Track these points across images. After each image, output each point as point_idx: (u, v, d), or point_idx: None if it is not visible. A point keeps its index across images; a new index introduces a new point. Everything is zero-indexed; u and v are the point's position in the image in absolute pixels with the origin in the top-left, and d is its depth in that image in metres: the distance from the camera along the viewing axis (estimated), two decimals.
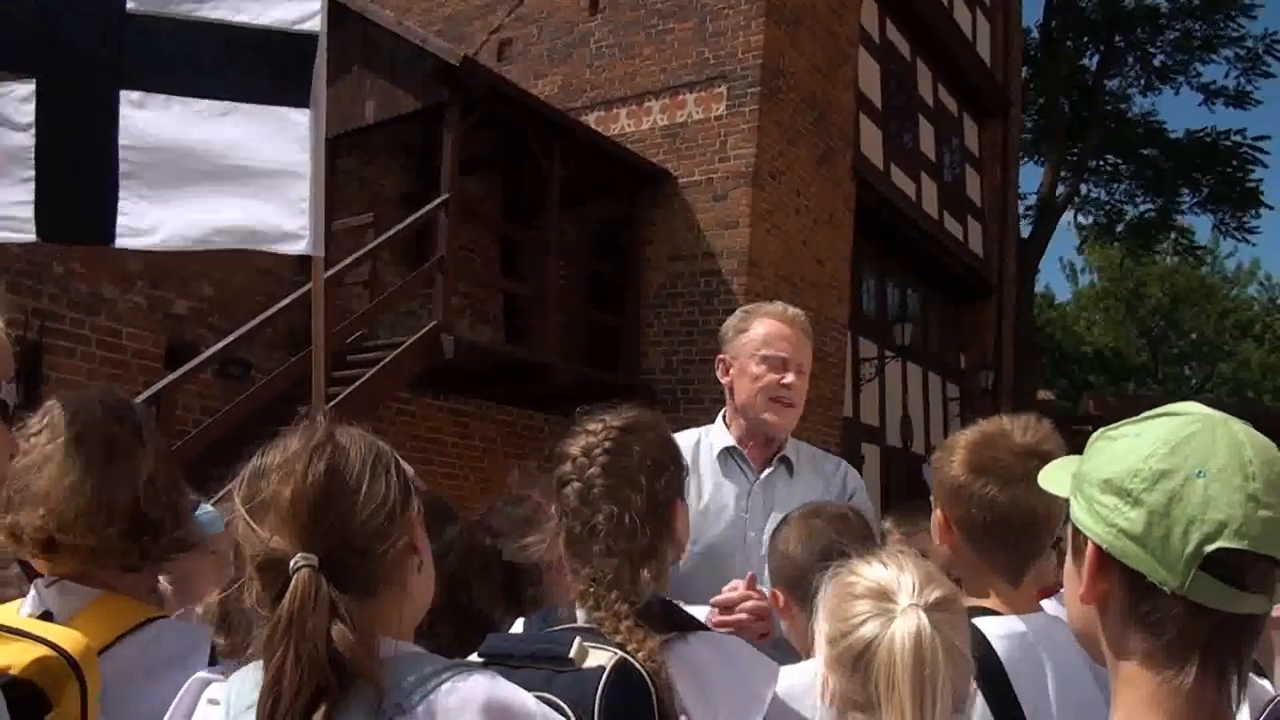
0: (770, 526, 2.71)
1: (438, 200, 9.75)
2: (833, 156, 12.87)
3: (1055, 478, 1.28)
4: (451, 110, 9.99)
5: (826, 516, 2.22)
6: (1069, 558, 1.21)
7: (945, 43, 16.07)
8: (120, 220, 3.00)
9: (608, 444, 1.80)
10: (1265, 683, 1.91)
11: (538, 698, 1.40)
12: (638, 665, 1.61)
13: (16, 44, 2.96)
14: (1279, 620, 1.63)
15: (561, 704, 1.53)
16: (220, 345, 8.27)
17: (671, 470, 1.85)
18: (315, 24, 3.04)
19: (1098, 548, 1.12)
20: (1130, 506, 1.09)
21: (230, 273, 9.36)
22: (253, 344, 8.93)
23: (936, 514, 2.01)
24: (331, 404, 7.65)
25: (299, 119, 3.02)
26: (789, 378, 2.85)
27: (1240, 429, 1.12)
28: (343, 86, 10.63)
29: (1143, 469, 1.09)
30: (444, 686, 1.29)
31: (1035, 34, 23.80)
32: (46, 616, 1.66)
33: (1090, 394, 28.46)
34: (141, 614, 1.70)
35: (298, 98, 3.02)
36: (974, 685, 1.59)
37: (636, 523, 1.74)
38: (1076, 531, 1.17)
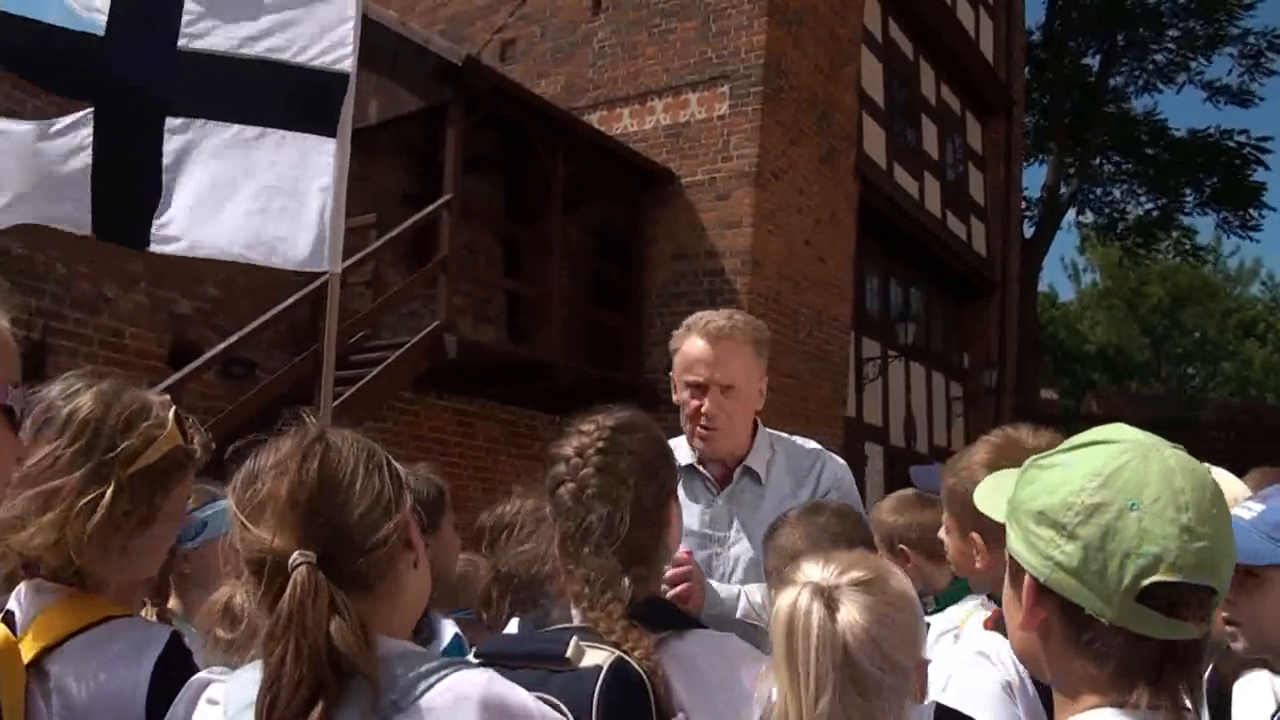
0: (735, 537, 2.73)
1: (440, 200, 9.75)
2: (835, 156, 12.87)
3: (991, 501, 1.29)
4: (454, 110, 9.99)
5: (829, 514, 2.22)
6: (1007, 582, 1.22)
7: (948, 42, 16.06)
8: (155, 226, 3.27)
9: (601, 444, 1.81)
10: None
11: (535, 696, 1.41)
12: (634, 664, 1.62)
13: (78, 76, 3.28)
14: None
15: (559, 704, 1.54)
16: (224, 345, 8.26)
17: (664, 471, 1.86)
18: (348, 64, 3.29)
19: (1034, 579, 1.13)
20: (1065, 540, 1.10)
21: (233, 273, 9.35)
22: (256, 344, 8.92)
23: (972, 538, 1.99)
24: (335, 404, 7.65)
25: (325, 147, 3.28)
26: (705, 404, 2.75)
27: (1172, 456, 1.12)
28: None
29: (1075, 502, 1.10)
30: (441, 684, 1.29)
31: (1038, 33, 23.78)
32: (8, 617, 1.67)
33: (1093, 393, 28.49)
34: (100, 611, 1.68)
35: (326, 128, 3.28)
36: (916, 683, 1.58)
37: (630, 523, 1.75)
38: (1013, 559, 1.18)
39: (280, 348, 9.48)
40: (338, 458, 1.38)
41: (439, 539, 2.71)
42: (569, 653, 1.62)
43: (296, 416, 1.44)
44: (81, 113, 3.26)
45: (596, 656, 1.63)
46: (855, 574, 1.53)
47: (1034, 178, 27.63)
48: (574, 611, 1.75)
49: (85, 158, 3.21)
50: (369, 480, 1.38)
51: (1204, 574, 1.08)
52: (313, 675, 1.25)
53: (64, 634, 1.63)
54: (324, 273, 3.52)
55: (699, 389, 2.77)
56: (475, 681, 1.31)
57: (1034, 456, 1.21)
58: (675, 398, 2.89)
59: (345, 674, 1.26)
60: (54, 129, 3.23)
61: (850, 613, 1.49)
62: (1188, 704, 1.11)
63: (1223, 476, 2.16)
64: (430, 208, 9.79)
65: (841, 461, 2.94)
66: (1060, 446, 1.19)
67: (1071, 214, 25.81)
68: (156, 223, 3.24)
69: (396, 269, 10.76)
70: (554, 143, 10.90)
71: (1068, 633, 1.13)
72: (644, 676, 1.61)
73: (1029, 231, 21.66)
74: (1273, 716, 1.86)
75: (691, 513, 2.76)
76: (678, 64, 12.14)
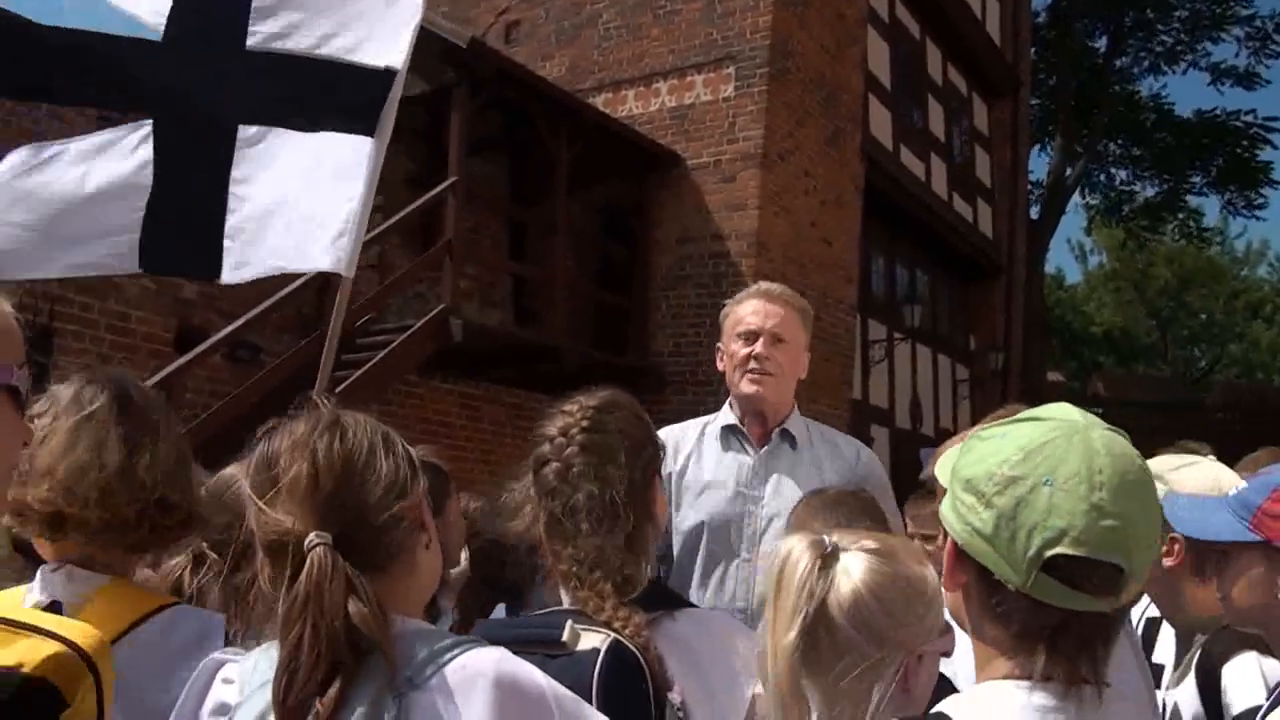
0: (770, 496, 2.79)
1: (445, 183, 9.74)
2: (841, 137, 12.83)
3: (943, 468, 1.38)
4: (459, 92, 9.97)
5: (835, 494, 2.22)
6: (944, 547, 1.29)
7: (954, 22, 15.97)
8: (225, 258, 3.05)
9: (585, 423, 1.82)
10: (1276, 663, 1.92)
11: None
12: (630, 646, 1.63)
13: (132, 86, 3.06)
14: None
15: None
16: (230, 329, 8.27)
17: (649, 450, 1.87)
18: (398, 63, 3.11)
19: (954, 542, 1.21)
20: (984, 508, 1.18)
21: None
22: (261, 328, 8.93)
23: None
24: (340, 387, 7.67)
25: (361, 146, 3.07)
26: (758, 347, 2.87)
27: (1099, 438, 1.18)
28: None
29: (997, 473, 1.18)
30: (454, 662, 1.31)
31: (1044, 14, 23.68)
32: (54, 607, 1.64)
33: (1099, 375, 28.46)
34: (153, 601, 1.68)
35: (364, 126, 3.08)
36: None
37: (617, 501, 1.76)
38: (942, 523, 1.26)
39: (286, 331, 9.48)
40: (353, 441, 1.40)
41: (444, 522, 2.73)
42: (565, 636, 1.63)
43: (310, 401, 1.46)
44: (136, 124, 3.04)
45: (593, 639, 1.64)
46: (870, 543, 1.50)
47: (1039, 160, 27.55)
48: (563, 593, 1.76)
49: (145, 178, 3.00)
50: (384, 463, 1.40)
51: (1110, 551, 1.13)
52: (331, 653, 1.26)
53: (124, 626, 1.62)
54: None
55: (751, 337, 2.89)
56: (488, 659, 1.33)
57: (978, 427, 1.30)
58: (721, 365, 3.01)
59: (362, 652, 1.28)
60: (108, 142, 3.02)
61: (845, 567, 1.46)
62: (1086, 675, 1.17)
63: (1216, 468, 2.16)
64: (435, 191, 9.78)
65: (878, 459, 3.09)
66: (1003, 420, 1.27)
67: (1077, 196, 25.76)
68: (227, 251, 3.04)
69: (402, 252, 10.76)
70: (559, 125, 10.88)
71: (981, 596, 1.20)
72: (639, 657, 1.62)
73: (1035, 213, 21.60)
74: (1268, 698, 1.86)
75: (728, 467, 2.87)
76: (683, 45, 12.10)
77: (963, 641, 2.02)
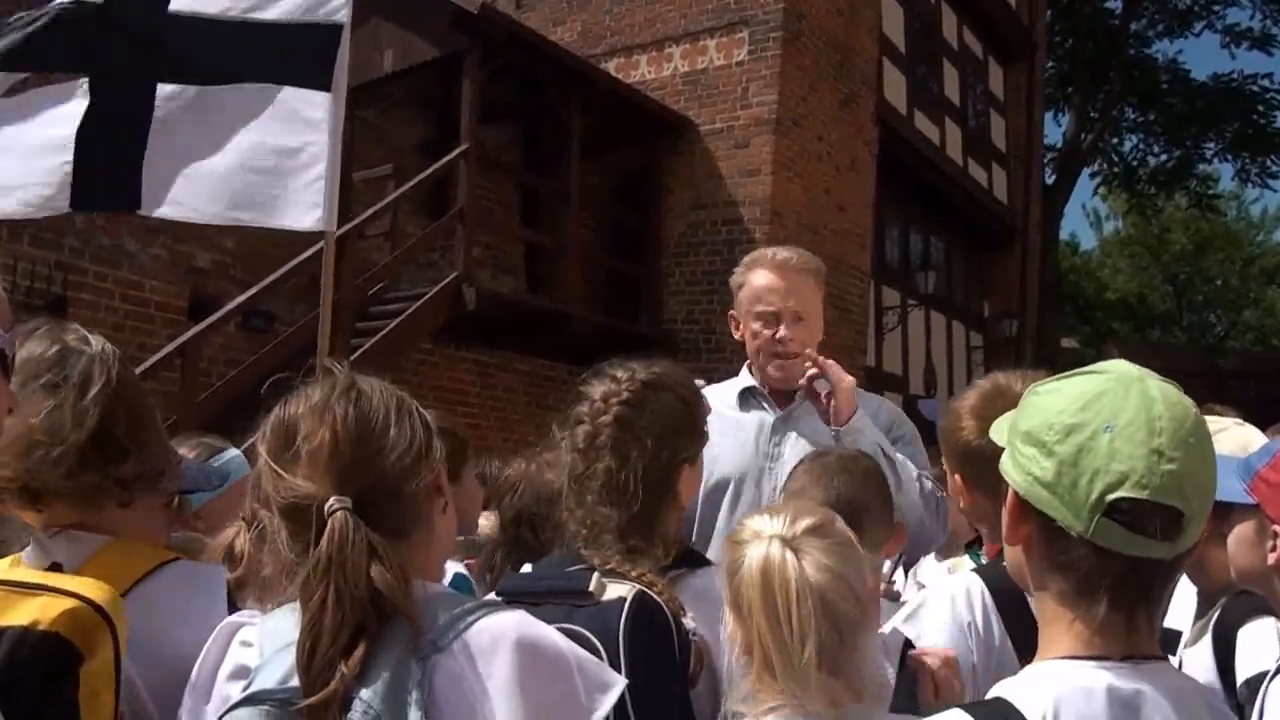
0: (790, 456, 2.74)
1: (457, 150, 9.71)
2: (855, 101, 12.73)
3: (998, 428, 1.38)
4: (470, 59, 9.91)
5: (836, 459, 2.22)
6: (1005, 506, 1.32)
7: None
8: (144, 190, 3.18)
9: (626, 395, 1.85)
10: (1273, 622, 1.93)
11: (560, 630, 1.43)
12: (655, 596, 1.68)
13: (71, 48, 3.18)
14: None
15: (587, 634, 1.60)
16: (244, 297, 8.29)
17: (684, 436, 1.89)
18: (342, 15, 3.20)
19: (1016, 494, 1.23)
20: (1045, 456, 1.20)
21: (251, 226, 9.34)
22: (275, 296, 8.95)
23: (955, 479, 2.08)
24: (354, 355, 7.69)
25: (319, 101, 3.17)
26: (781, 331, 2.82)
27: (1155, 387, 1.21)
28: (360, 37, 10.52)
29: (1056, 422, 1.20)
30: (476, 625, 1.31)
31: None
32: (55, 569, 1.61)
33: (1114, 341, 28.32)
34: (155, 557, 1.66)
35: (320, 81, 3.18)
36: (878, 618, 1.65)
37: (631, 481, 1.79)
38: (1004, 478, 1.28)
39: (299, 300, 9.48)
40: (370, 405, 1.40)
41: (461, 487, 2.74)
42: (591, 587, 1.68)
43: (326, 369, 1.46)
44: (72, 82, 3.18)
45: (619, 589, 1.69)
46: (806, 521, 1.60)
47: (1054, 125, 27.28)
48: (583, 550, 1.81)
49: (73, 127, 3.13)
50: (401, 427, 1.40)
51: (1170, 495, 1.15)
52: (354, 617, 1.27)
53: (129, 583, 1.59)
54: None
55: (772, 318, 2.83)
56: (510, 622, 1.33)
57: (1034, 384, 1.30)
58: (738, 334, 2.95)
59: (386, 616, 1.28)
60: (44, 104, 3.15)
61: (818, 558, 1.55)
62: (1142, 626, 1.20)
63: (1245, 433, 2.16)
64: (447, 158, 9.76)
65: (895, 406, 3.04)
66: (1059, 375, 1.29)
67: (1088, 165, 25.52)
68: (145, 183, 3.16)
69: (414, 220, 10.74)
70: (571, 91, 10.83)
71: (1044, 547, 1.22)
72: (665, 607, 1.68)
73: (1050, 179, 21.45)
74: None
75: (747, 426, 2.83)
76: (695, 9, 11.99)
77: (928, 608, 2.04)
